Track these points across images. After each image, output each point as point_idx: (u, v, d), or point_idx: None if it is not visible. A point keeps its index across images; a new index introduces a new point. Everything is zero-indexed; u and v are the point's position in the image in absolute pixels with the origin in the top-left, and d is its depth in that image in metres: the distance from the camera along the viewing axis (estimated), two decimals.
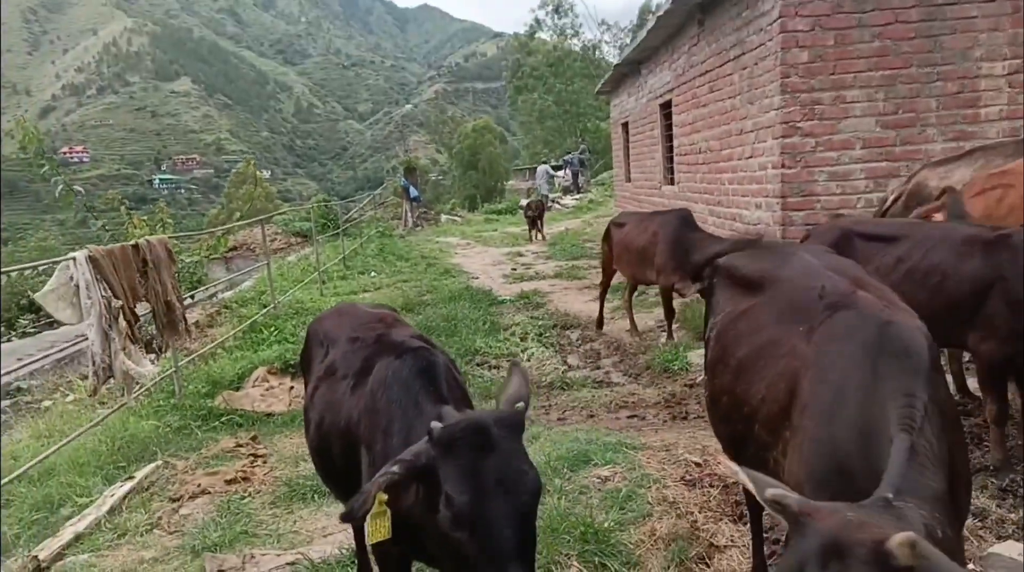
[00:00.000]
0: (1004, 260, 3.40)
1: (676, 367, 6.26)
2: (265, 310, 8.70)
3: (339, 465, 2.40)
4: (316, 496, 4.21)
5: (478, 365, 6.93)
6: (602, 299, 8.33)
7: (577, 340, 7.75)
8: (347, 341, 2.61)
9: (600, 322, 8.07)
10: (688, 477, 4.06)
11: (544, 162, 30.04)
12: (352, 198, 30.14)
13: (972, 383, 4.82)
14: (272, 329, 7.91)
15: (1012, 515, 3.22)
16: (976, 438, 4.07)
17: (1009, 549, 2.85)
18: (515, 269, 13.11)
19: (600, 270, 8.58)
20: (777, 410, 1.90)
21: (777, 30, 6.26)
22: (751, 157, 7.22)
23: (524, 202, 23.92)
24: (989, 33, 6.13)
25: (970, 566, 2.92)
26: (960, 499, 1.66)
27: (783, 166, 6.45)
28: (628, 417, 5.36)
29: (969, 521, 3.15)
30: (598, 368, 6.74)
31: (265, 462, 4.89)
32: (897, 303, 1.96)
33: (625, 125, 14.62)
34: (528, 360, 7.05)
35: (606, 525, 3.39)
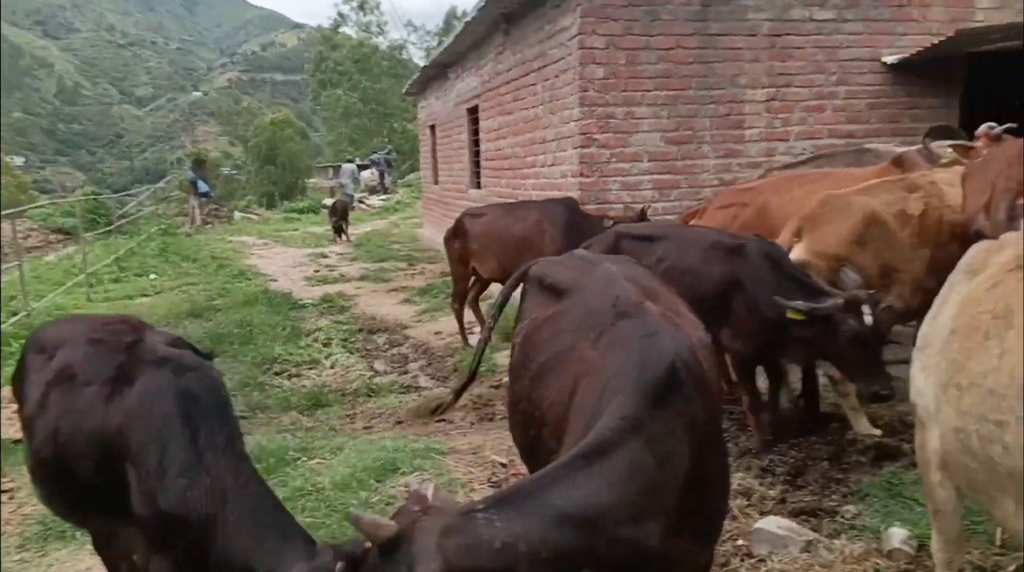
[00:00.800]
0: (740, 266, 3.82)
1: (483, 369, 6.32)
2: (15, 319, 7.49)
3: (85, 481, 2.26)
4: (79, 533, 3.65)
5: (276, 374, 6.52)
6: (462, 310, 7.26)
7: (384, 344, 7.58)
8: (86, 344, 2.42)
9: (465, 338, 7.09)
10: (495, 479, 4.11)
11: (349, 161, 29.24)
12: (128, 191, 27.15)
13: None
14: (24, 341, 6.82)
15: (771, 492, 3.62)
16: (742, 424, 4.55)
17: (770, 524, 3.21)
18: (318, 271, 12.59)
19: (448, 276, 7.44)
20: (560, 414, 1.94)
21: (576, 46, 6.59)
22: (553, 165, 7.54)
23: (328, 201, 23.10)
24: (751, 64, 6.94)
25: (739, 541, 3.24)
26: (708, 502, 1.78)
27: (581, 175, 6.81)
28: (436, 422, 5.31)
29: (739, 500, 3.51)
30: (406, 372, 6.64)
31: (12, 497, 4.18)
32: (680, 314, 2.08)
33: (433, 128, 14.65)
34: (332, 367, 6.76)
35: None
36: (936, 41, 6.65)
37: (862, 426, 4.06)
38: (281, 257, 14.72)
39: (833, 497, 3.56)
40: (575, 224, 6.10)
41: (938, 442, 2.11)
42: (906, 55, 6.95)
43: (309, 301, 9.55)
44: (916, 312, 4.04)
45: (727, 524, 3.32)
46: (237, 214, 24.48)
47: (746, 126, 7.03)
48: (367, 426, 5.29)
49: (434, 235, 14.64)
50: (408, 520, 1.49)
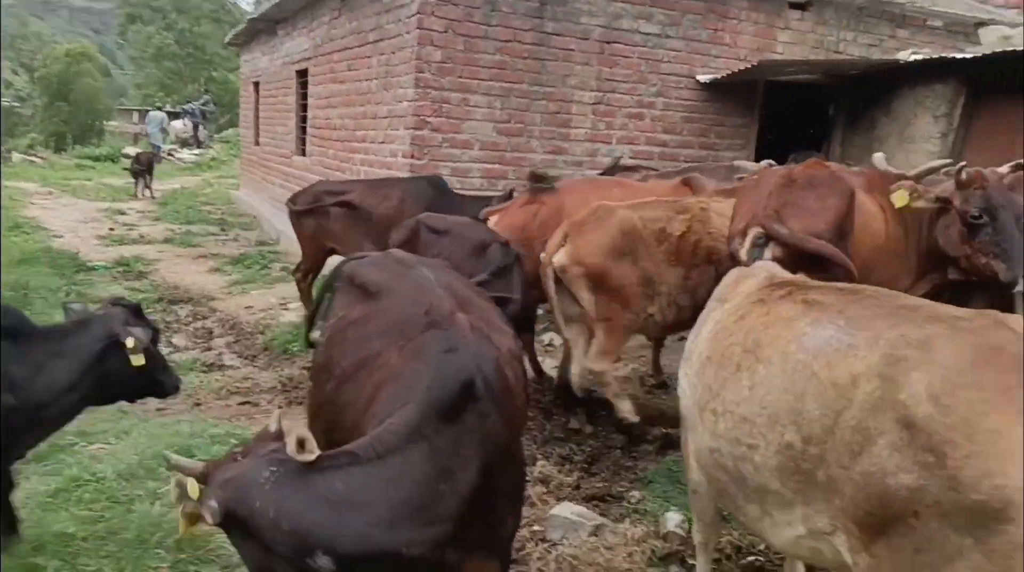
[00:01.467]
0: (483, 265, 4.00)
1: (296, 349, 6.09)
2: None
3: None
4: None
5: None
6: (304, 280, 6.67)
7: (187, 317, 7.02)
8: None
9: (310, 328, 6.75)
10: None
11: (159, 107, 26.57)
12: None
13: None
14: None
15: (568, 479, 3.84)
16: (547, 412, 4.77)
17: (564, 510, 3.42)
18: (113, 229, 11.39)
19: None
20: (359, 420, 1.93)
21: (414, 25, 6.46)
22: (383, 142, 7.37)
23: (131, 150, 20.95)
24: (582, 66, 7.24)
25: (535, 527, 3.42)
26: (497, 517, 1.85)
27: (412, 157, 6.73)
28: (240, 404, 5.04)
29: (538, 488, 3.69)
30: (209, 349, 6.21)
31: None
32: (492, 325, 2.11)
33: (257, 84, 13.70)
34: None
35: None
36: (743, 67, 7.34)
37: (624, 409, 4.22)
38: (69, 210, 13.10)
39: (622, 483, 3.85)
40: (445, 206, 5.86)
41: (694, 439, 2.39)
42: (717, 76, 7.61)
43: (100, 264, 8.61)
44: (673, 326, 4.33)
45: (525, 511, 3.50)
46: (16, 155, 21.41)
47: (573, 125, 7.33)
48: (160, 408, 4.87)
49: (252, 199, 13.79)
50: (227, 458, 1.77)
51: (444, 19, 6.51)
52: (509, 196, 6.00)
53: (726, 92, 7.86)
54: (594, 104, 7.40)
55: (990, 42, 7.56)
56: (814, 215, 3.40)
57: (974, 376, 1.50)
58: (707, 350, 2.29)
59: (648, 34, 7.40)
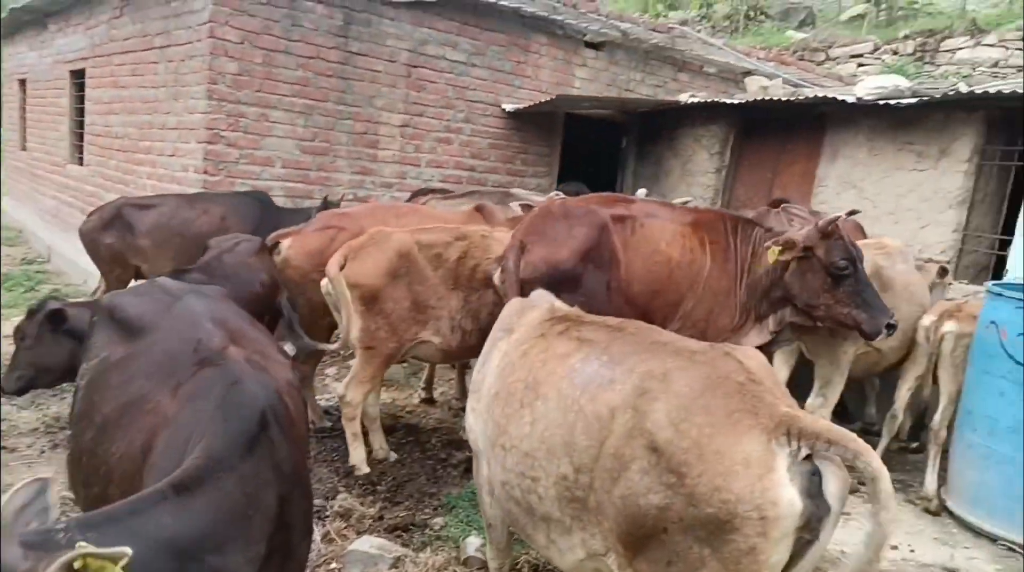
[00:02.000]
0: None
1: (64, 384, 5.41)
2: None
3: None
4: None
5: None
6: None
7: None
8: None
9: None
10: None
11: None
12: None
13: None
14: None
15: (371, 510, 3.77)
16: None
17: (363, 544, 3.34)
18: None
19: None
20: (133, 470, 1.82)
21: (206, 34, 6.08)
22: (173, 155, 6.83)
23: None
24: (389, 88, 7.23)
25: (333, 565, 3.31)
26: (293, 543, 1.84)
27: (206, 172, 6.30)
28: None
29: (337, 523, 3.58)
30: None
31: None
32: (267, 356, 2.06)
33: (23, 82, 12.12)
34: None
35: None
36: (545, 99, 7.75)
37: (356, 456, 4.19)
38: None
39: (426, 511, 3.84)
40: (266, 221, 5.66)
41: (486, 470, 2.47)
42: (520, 106, 7.96)
43: None
44: (459, 351, 4.31)
45: (324, 548, 3.38)
46: None
47: (381, 147, 7.29)
48: None
49: (16, 211, 12.18)
50: None
51: (240, 30, 6.19)
52: (325, 205, 5.88)
53: (530, 122, 8.25)
54: (402, 127, 7.41)
55: (753, 90, 8.64)
56: (558, 244, 3.67)
57: (704, 402, 1.69)
58: (495, 385, 2.38)
59: (455, 61, 7.57)
